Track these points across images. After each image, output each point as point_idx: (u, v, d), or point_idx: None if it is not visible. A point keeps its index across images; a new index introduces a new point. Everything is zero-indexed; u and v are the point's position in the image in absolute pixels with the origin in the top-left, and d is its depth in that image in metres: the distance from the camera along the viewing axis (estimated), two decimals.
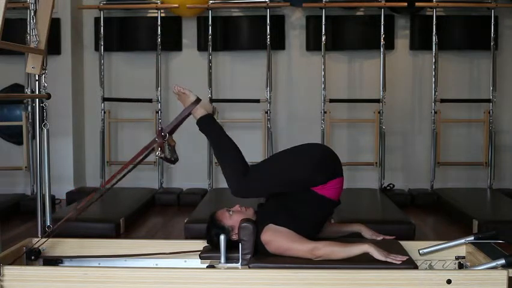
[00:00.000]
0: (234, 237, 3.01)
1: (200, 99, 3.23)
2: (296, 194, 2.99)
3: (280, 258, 2.90)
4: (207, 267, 2.99)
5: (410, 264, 2.82)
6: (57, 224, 3.21)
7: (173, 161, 3.26)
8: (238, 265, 2.94)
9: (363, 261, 2.83)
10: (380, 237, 3.25)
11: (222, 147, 3.13)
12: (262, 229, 2.95)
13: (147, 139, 6.90)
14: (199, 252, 3.11)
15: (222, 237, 2.95)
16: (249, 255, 2.94)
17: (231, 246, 2.98)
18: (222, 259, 2.97)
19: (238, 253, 2.94)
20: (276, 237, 2.91)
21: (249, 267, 2.88)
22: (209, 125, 3.19)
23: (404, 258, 2.83)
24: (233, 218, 3.05)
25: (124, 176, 3.25)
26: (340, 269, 2.77)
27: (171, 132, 3.23)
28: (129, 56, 7.06)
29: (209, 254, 3.05)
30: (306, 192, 2.98)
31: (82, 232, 4.46)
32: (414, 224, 4.88)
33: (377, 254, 2.82)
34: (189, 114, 3.23)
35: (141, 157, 3.23)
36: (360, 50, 6.89)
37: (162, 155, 3.18)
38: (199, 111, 3.22)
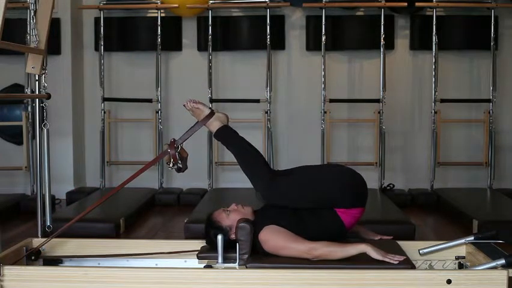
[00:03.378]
0: (232, 236, 3.00)
1: (214, 112, 3.23)
2: (316, 209, 2.99)
3: (278, 258, 2.89)
4: (205, 267, 2.98)
5: (408, 264, 2.82)
6: (64, 225, 3.20)
7: (183, 171, 3.25)
8: (236, 265, 2.94)
9: (361, 261, 2.82)
10: (377, 237, 3.25)
11: (244, 155, 3.13)
12: (261, 228, 2.95)
13: (147, 139, 7.02)
14: (197, 252, 3.11)
15: (220, 237, 2.94)
16: (247, 255, 2.93)
17: (229, 246, 2.98)
18: (220, 259, 2.96)
19: (236, 253, 2.94)
20: (274, 236, 2.91)
21: (247, 267, 2.88)
22: (227, 136, 3.20)
23: (402, 258, 2.83)
24: (230, 217, 3.04)
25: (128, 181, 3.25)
26: (338, 269, 2.77)
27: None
28: (129, 56, 7.06)
29: (207, 254, 3.05)
30: (327, 210, 2.98)
31: (82, 232, 4.45)
32: (414, 224, 4.88)
33: (374, 253, 2.82)
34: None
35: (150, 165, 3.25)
36: (360, 50, 6.89)
37: (175, 167, 3.18)
38: (215, 124, 3.22)
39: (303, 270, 2.76)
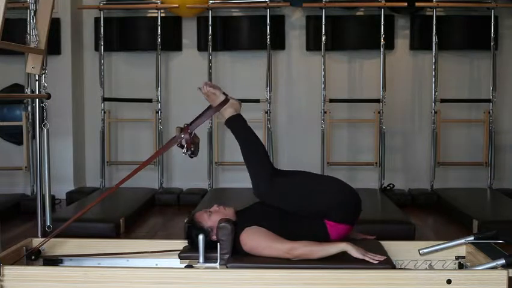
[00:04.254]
0: (214, 237, 3.01)
1: (228, 99, 3.21)
2: (307, 216, 2.99)
3: (259, 258, 2.89)
4: (185, 267, 2.98)
5: (388, 264, 2.82)
6: (66, 222, 3.20)
7: (196, 155, 3.25)
8: (217, 265, 2.94)
9: (342, 261, 2.82)
10: (360, 237, 3.24)
11: (251, 149, 3.12)
12: (243, 229, 2.95)
13: (147, 139, 7.02)
14: (179, 252, 3.11)
15: (201, 237, 2.94)
16: (228, 255, 2.94)
17: (211, 247, 2.98)
18: (201, 259, 2.96)
19: (217, 253, 2.95)
20: (255, 237, 2.91)
21: (227, 267, 2.88)
22: (239, 126, 3.18)
23: (382, 258, 2.83)
24: (212, 218, 3.05)
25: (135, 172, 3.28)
26: (320, 268, 2.76)
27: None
28: (129, 56, 7.06)
29: (188, 254, 3.05)
30: (317, 219, 2.98)
31: (82, 232, 4.46)
32: (414, 224, 4.88)
33: (354, 252, 2.82)
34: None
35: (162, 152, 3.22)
36: (360, 50, 6.89)
37: (188, 152, 3.17)
38: (228, 111, 3.20)
39: (284, 270, 2.76)
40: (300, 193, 3.02)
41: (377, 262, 2.80)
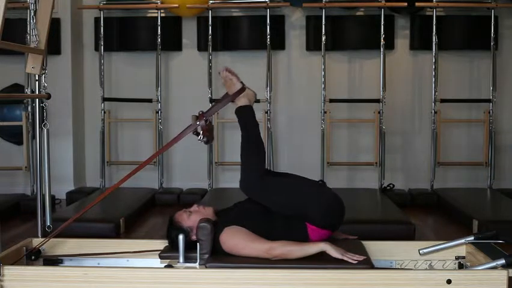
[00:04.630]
0: (193, 237, 3.01)
1: (245, 88, 3.21)
2: (289, 217, 2.99)
3: (238, 258, 2.89)
4: (165, 266, 2.99)
5: (367, 264, 2.82)
6: (66, 222, 3.20)
7: (211, 142, 3.28)
8: (196, 265, 2.94)
9: (321, 261, 2.82)
10: (342, 236, 3.24)
11: (251, 142, 3.12)
12: (222, 229, 2.95)
13: (147, 139, 7.02)
14: (159, 252, 3.11)
15: (181, 237, 2.94)
16: (207, 255, 2.94)
17: (191, 247, 2.98)
18: (181, 259, 2.96)
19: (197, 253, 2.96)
20: (234, 236, 2.91)
21: (206, 267, 2.88)
22: (248, 117, 3.18)
23: (361, 258, 2.83)
24: (191, 218, 3.06)
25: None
26: (300, 268, 2.76)
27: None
28: (129, 56, 7.06)
29: (169, 253, 3.05)
30: (298, 221, 2.98)
31: (81, 232, 4.46)
32: (414, 224, 4.88)
33: (333, 252, 2.82)
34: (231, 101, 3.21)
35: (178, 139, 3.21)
36: (360, 50, 6.89)
37: (204, 139, 3.17)
38: (242, 100, 3.21)
39: (263, 269, 2.76)
40: (286, 193, 3.03)
41: (355, 262, 2.80)
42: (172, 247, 3.05)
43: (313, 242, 2.93)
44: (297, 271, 2.74)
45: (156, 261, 3.15)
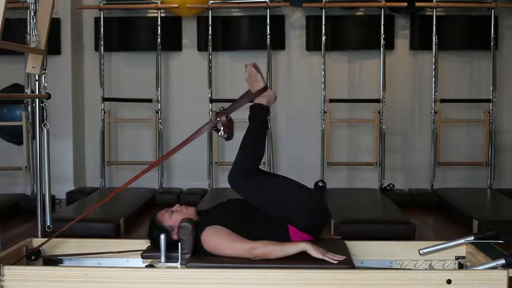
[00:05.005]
0: (174, 237, 3.01)
1: (267, 88, 3.22)
2: (271, 218, 3.00)
3: (219, 258, 2.90)
4: (146, 266, 2.99)
5: (348, 264, 2.82)
6: (65, 225, 3.19)
7: (231, 139, 3.25)
8: (178, 264, 2.95)
9: (302, 260, 2.83)
10: (326, 236, 3.25)
11: (256, 140, 3.14)
12: (204, 228, 2.96)
13: (147, 139, 7.02)
14: (141, 252, 3.11)
15: (162, 237, 2.94)
16: (189, 255, 2.95)
17: (172, 247, 2.98)
18: (162, 258, 2.96)
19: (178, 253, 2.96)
20: (215, 236, 2.92)
21: (187, 267, 2.89)
22: (260, 116, 3.19)
23: (342, 258, 2.83)
24: (173, 218, 3.06)
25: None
26: (282, 268, 2.77)
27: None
28: (129, 56, 7.06)
29: (151, 253, 3.05)
30: (280, 222, 2.99)
31: (82, 232, 4.45)
32: (414, 224, 4.88)
33: (314, 252, 2.83)
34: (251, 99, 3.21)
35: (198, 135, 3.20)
36: (360, 50, 6.89)
37: (225, 135, 3.18)
38: (261, 100, 3.21)
39: (244, 269, 2.77)
40: (272, 193, 3.04)
41: (336, 262, 2.81)
42: (154, 247, 3.06)
43: (294, 241, 2.94)
44: (278, 271, 2.75)
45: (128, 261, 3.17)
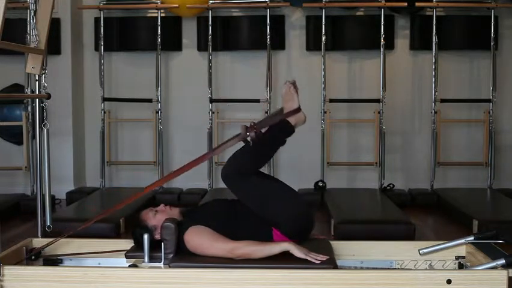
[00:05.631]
0: (157, 236, 3.02)
1: (300, 110, 3.22)
2: (256, 219, 3.01)
3: (201, 257, 2.91)
4: (129, 266, 2.99)
5: (331, 263, 2.83)
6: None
7: None
8: (161, 264, 2.95)
9: (285, 260, 2.83)
10: (312, 236, 3.25)
11: (268, 150, 3.16)
12: (187, 228, 2.96)
13: (147, 139, 7.02)
14: (125, 252, 3.11)
15: (145, 236, 2.96)
16: (172, 255, 2.95)
17: (156, 246, 2.99)
18: (146, 258, 2.97)
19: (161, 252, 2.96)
20: (198, 236, 2.93)
21: (170, 267, 2.89)
22: (281, 134, 3.18)
23: (325, 257, 2.84)
24: (157, 217, 3.08)
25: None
26: (262, 268, 2.78)
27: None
28: (129, 56, 7.06)
29: (135, 253, 3.06)
30: (265, 225, 2.99)
31: (82, 232, 4.43)
32: (414, 224, 4.88)
33: (297, 252, 2.84)
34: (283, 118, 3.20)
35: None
36: (360, 50, 6.89)
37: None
38: (289, 119, 3.21)
39: (226, 269, 2.77)
40: (262, 193, 3.05)
41: (319, 262, 2.81)
42: (137, 245, 3.07)
43: (277, 241, 2.95)
44: (260, 271, 2.76)
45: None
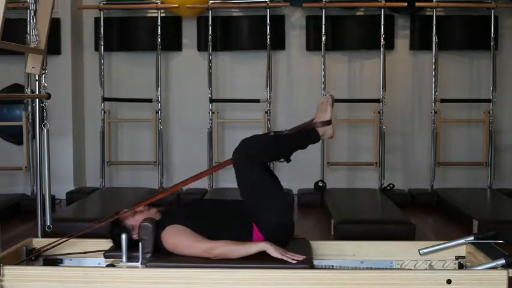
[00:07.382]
0: (135, 236, 3.02)
1: (330, 123, 3.26)
2: (236, 220, 3.02)
3: (179, 257, 2.91)
4: (107, 265, 2.99)
5: (307, 263, 2.83)
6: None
7: (290, 161, 3.31)
8: (138, 264, 2.95)
9: (262, 260, 2.84)
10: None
11: (286, 148, 3.21)
12: (164, 228, 2.97)
13: (147, 139, 7.02)
14: (104, 252, 3.11)
15: (123, 236, 2.95)
16: (149, 254, 2.96)
17: (133, 246, 2.99)
18: (124, 258, 2.97)
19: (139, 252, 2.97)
20: (175, 235, 2.93)
21: (147, 266, 2.89)
22: (305, 141, 3.24)
23: (301, 257, 2.85)
24: (135, 217, 3.08)
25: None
26: (241, 268, 2.78)
27: None
28: (129, 56, 7.06)
29: (113, 253, 3.06)
30: (245, 226, 3.00)
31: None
32: (414, 224, 4.88)
33: (273, 251, 2.85)
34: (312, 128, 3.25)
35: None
36: (360, 50, 6.89)
37: (286, 160, 3.26)
38: (319, 129, 3.26)
39: (203, 269, 2.78)
40: (260, 186, 3.06)
41: (295, 262, 2.82)
42: (115, 245, 3.07)
43: (254, 241, 2.96)
44: (236, 270, 2.76)
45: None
